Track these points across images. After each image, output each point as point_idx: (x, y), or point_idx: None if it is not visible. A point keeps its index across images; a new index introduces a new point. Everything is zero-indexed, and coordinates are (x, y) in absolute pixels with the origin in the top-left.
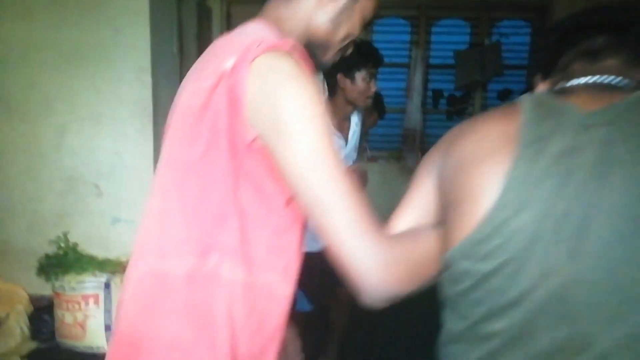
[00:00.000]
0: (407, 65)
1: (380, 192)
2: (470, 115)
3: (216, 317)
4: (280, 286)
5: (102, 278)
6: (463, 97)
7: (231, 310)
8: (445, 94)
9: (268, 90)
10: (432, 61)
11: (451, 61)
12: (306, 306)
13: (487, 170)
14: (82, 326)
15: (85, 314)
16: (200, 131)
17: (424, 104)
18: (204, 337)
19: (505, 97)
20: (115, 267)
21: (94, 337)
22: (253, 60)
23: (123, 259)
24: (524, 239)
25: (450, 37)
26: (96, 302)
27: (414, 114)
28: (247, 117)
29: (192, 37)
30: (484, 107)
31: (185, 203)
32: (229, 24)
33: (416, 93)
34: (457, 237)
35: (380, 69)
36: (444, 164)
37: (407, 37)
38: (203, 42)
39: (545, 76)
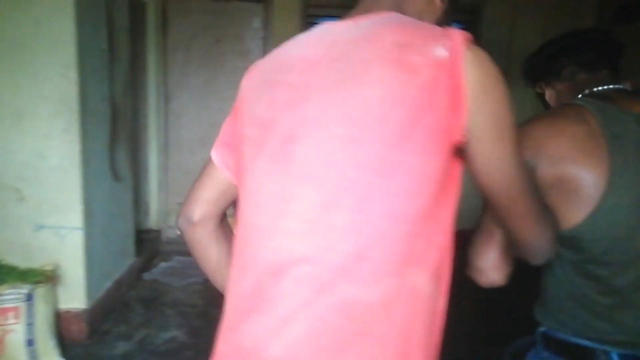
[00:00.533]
0: None
1: None
2: None
3: (412, 341)
4: (443, 300)
5: (24, 290)
6: None
7: (421, 329)
8: None
9: (491, 85)
10: None
11: None
12: None
13: (593, 163)
14: (1, 342)
15: (4, 329)
16: (414, 129)
17: None
18: None
19: None
20: (38, 278)
21: (14, 353)
22: (464, 52)
23: (48, 268)
24: (634, 213)
25: None
26: (16, 316)
27: None
28: (466, 114)
29: (123, 32)
30: None
31: (383, 213)
32: (165, 20)
33: None
34: (580, 215)
35: None
36: (539, 161)
37: None
38: (136, 37)
39: (547, 83)
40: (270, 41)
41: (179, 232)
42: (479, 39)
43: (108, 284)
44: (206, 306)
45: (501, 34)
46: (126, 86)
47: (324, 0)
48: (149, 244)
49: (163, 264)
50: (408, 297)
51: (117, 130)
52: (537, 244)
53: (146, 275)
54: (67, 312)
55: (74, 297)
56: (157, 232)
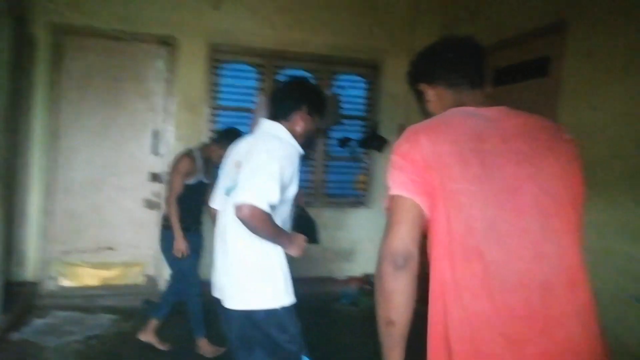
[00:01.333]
0: (253, 111)
1: None
2: (313, 160)
3: None
4: None
5: None
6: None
7: None
8: None
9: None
10: None
11: None
12: None
13: None
14: None
15: None
16: (571, 174)
17: None
18: None
19: (345, 144)
20: None
21: None
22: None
23: None
24: None
25: None
26: None
27: None
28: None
29: (4, 66)
30: (326, 153)
31: (576, 234)
32: (59, 56)
33: None
34: None
35: (228, 112)
36: None
37: (254, 83)
38: (23, 72)
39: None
40: (174, 84)
41: (379, 279)
42: (379, 93)
43: None
44: None
45: (400, 88)
46: (4, 121)
47: (230, 47)
48: (21, 299)
49: (37, 321)
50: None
51: None
52: None
53: (14, 336)
54: None
55: None
56: (34, 285)
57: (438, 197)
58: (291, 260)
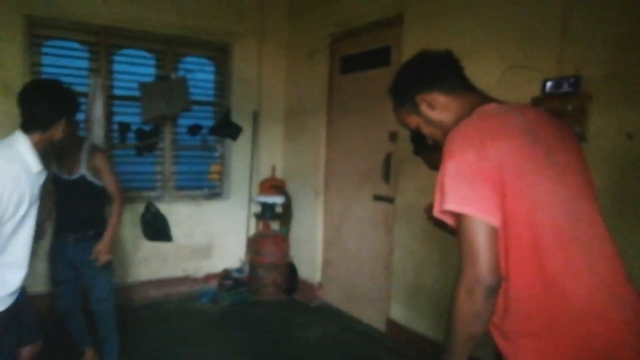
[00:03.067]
0: (85, 95)
1: None
2: (162, 150)
3: None
4: None
5: None
6: (152, 131)
7: None
8: (133, 127)
9: None
10: (115, 92)
11: (137, 93)
12: None
13: None
14: None
15: None
16: (584, 168)
17: (109, 138)
18: None
19: (196, 131)
20: None
21: None
22: None
23: None
24: None
25: (135, 67)
26: None
27: None
28: None
29: None
30: (175, 142)
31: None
32: None
33: (98, 126)
34: None
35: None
36: None
37: (86, 63)
38: None
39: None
40: None
41: (467, 304)
42: (229, 78)
43: None
44: None
45: (251, 72)
46: None
47: (54, 20)
48: None
49: None
50: None
51: None
52: None
53: None
54: None
55: None
56: None
57: (513, 196)
58: (143, 262)
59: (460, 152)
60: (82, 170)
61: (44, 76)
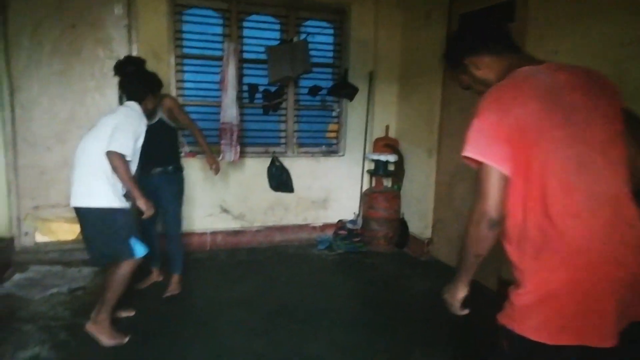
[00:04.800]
0: (220, 58)
1: (204, 187)
2: (285, 109)
3: None
4: None
5: None
6: (277, 91)
7: None
8: (261, 88)
9: None
10: (245, 55)
11: (263, 56)
12: None
13: None
14: None
15: None
16: (613, 119)
17: (239, 98)
18: None
19: (315, 92)
20: None
21: None
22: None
23: None
24: None
25: (261, 32)
26: None
27: (229, 108)
28: None
29: None
30: (297, 102)
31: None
32: (3, 2)
33: (231, 87)
34: None
35: (194, 61)
36: None
37: (220, 30)
38: None
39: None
40: (136, 30)
41: (475, 230)
42: (347, 40)
43: None
44: (73, 317)
45: (368, 34)
46: None
47: None
48: None
49: (17, 276)
50: None
51: None
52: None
53: None
54: None
55: None
56: (9, 241)
57: (532, 150)
58: (269, 210)
59: (485, 112)
60: (159, 114)
61: (185, 43)
